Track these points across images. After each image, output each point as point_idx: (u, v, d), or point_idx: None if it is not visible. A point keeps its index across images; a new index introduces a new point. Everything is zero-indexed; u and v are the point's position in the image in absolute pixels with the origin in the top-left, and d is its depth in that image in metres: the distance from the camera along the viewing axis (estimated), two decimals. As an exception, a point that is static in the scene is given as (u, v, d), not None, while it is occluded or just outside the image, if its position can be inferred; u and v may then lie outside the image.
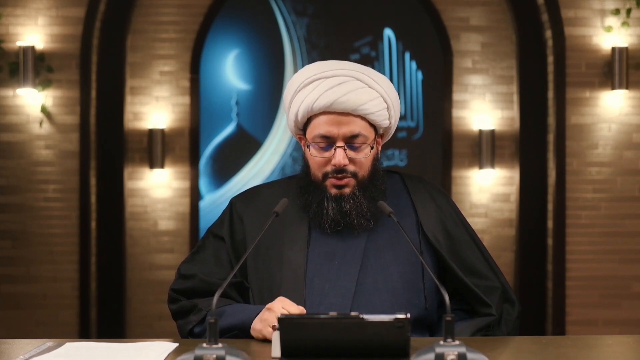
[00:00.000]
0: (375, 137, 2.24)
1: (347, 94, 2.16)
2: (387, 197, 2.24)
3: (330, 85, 2.17)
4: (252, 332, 2.06)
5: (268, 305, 2.04)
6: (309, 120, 2.22)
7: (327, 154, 2.19)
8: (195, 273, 2.25)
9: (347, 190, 2.19)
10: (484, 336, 2.17)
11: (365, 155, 2.19)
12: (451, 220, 2.29)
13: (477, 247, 2.29)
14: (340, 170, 2.18)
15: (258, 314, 2.07)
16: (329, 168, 2.19)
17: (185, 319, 2.22)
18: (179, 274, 2.29)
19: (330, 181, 2.20)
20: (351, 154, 2.18)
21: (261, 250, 2.22)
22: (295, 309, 2.02)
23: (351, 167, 2.19)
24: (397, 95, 2.29)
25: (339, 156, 2.17)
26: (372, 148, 2.21)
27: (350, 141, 2.18)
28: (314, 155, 2.21)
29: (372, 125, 2.22)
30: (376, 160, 2.25)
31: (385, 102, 2.23)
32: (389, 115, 2.25)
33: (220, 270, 2.25)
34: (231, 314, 2.12)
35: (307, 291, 2.16)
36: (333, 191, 2.20)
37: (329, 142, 2.19)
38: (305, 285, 2.16)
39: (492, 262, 2.30)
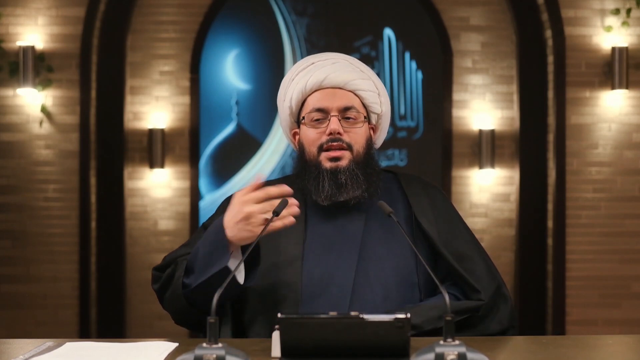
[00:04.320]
0: (369, 123, 2.29)
1: (338, 70, 2.24)
2: (380, 181, 2.26)
3: (322, 65, 2.26)
4: (236, 241, 2.03)
5: (231, 205, 2.04)
6: (303, 105, 2.27)
7: (322, 126, 2.22)
8: (176, 256, 2.23)
9: (342, 163, 2.21)
10: (475, 325, 2.16)
11: (360, 127, 2.24)
12: (445, 215, 2.30)
13: (472, 241, 2.29)
14: (335, 139, 2.21)
15: (223, 241, 2.03)
16: (324, 139, 2.22)
17: (171, 286, 2.16)
18: (162, 260, 2.28)
19: (325, 154, 2.22)
20: (345, 125, 2.22)
21: (260, 244, 2.22)
22: (248, 189, 2.01)
23: (346, 138, 2.22)
24: (387, 93, 2.35)
25: (334, 123, 2.20)
26: (365, 119, 2.25)
27: (344, 114, 2.23)
28: (309, 128, 2.24)
29: (365, 108, 2.27)
30: (371, 143, 2.28)
31: (376, 87, 2.29)
32: (380, 102, 2.30)
33: None
34: (201, 268, 2.07)
35: (306, 282, 2.16)
36: (328, 165, 2.21)
37: (323, 114, 2.23)
38: (302, 277, 2.16)
39: (487, 256, 2.29)
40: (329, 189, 2.20)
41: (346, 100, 2.23)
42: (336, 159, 2.21)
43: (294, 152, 2.33)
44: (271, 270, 2.19)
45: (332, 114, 2.21)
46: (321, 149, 2.22)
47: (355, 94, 2.24)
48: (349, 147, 2.22)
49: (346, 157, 2.21)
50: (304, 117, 2.25)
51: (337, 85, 2.23)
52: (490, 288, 2.20)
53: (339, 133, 2.20)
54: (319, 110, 2.22)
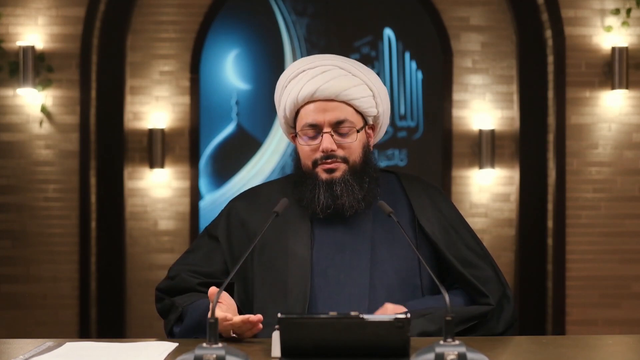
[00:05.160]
0: (365, 126, 2.26)
1: (329, 80, 2.20)
2: (379, 186, 2.26)
3: (313, 75, 2.22)
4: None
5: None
6: (297, 114, 2.26)
7: (315, 142, 2.22)
8: (180, 271, 2.27)
9: (337, 174, 2.21)
10: (480, 327, 2.16)
11: (352, 140, 2.22)
12: (448, 216, 2.30)
13: (475, 242, 2.29)
14: (328, 156, 2.21)
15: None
16: (318, 155, 2.22)
17: (167, 318, 2.24)
18: (167, 273, 2.31)
19: (320, 167, 2.22)
20: (338, 139, 2.21)
21: (266, 246, 2.23)
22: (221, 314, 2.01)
23: (340, 152, 2.22)
24: (384, 87, 2.32)
25: (326, 142, 2.20)
26: (358, 131, 2.23)
27: (337, 127, 2.21)
28: (303, 145, 2.23)
29: (360, 114, 2.25)
30: (367, 149, 2.27)
31: (370, 89, 2.26)
32: (376, 103, 2.27)
33: (211, 270, 2.26)
34: (190, 315, 2.16)
35: (320, 282, 2.16)
36: (324, 176, 2.21)
37: (316, 130, 2.22)
38: (312, 276, 2.17)
39: (490, 257, 2.29)
40: (324, 200, 2.20)
41: (338, 113, 2.21)
42: (331, 170, 2.21)
43: (293, 152, 2.33)
44: (280, 271, 2.19)
45: (324, 130, 2.20)
46: (316, 164, 2.22)
47: (348, 104, 2.22)
48: (344, 160, 2.22)
49: (341, 169, 2.21)
50: (297, 134, 2.25)
51: (328, 98, 2.21)
52: (497, 292, 2.20)
53: (332, 150, 2.20)
54: (312, 125, 2.21)
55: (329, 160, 2.21)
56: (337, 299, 2.13)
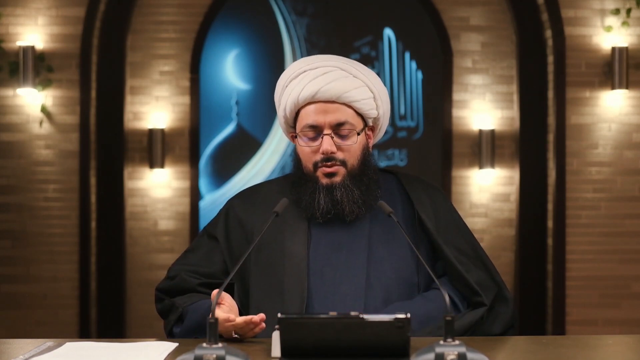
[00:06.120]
0: (365, 128, 2.26)
1: (330, 82, 2.20)
2: (380, 188, 2.26)
3: (314, 76, 2.22)
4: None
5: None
6: (297, 115, 2.25)
7: (315, 144, 2.22)
8: (180, 272, 2.27)
9: (337, 179, 2.21)
10: (476, 329, 2.16)
11: (352, 142, 2.22)
12: (447, 217, 2.30)
13: (470, 245, 2.29)
14: (328, 158, 2.21)
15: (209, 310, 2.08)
16: (318, 157, 2.22)
17: (167, 319, 2.24)
18: (167, 273, 2.30)
19: (321, 171, 2.22)
20: (338, 141, 2.21)
21: (263, 246, 2.23)
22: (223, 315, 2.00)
23: (340, 155, 2.22)
24: (385, 89, 2.32)
25: (326, 144, 2.20)
26: (358, 134, 2.23)
27: (337, 129, 2.21)
28: (303, 146, 2.23)
29: (360, 115, 2.25)
30: (367, 151, 2.27)
31: (371, 91, 2.26)
32: (377, 105, 2.28)
33: (211, 270, 2.26)
34: (190, 316, 2.16)
35: (316, 281, 2.17)
36: (324, 181, 2.22)
37: (316, 131, 2.22)
38: (308, 276, 2.17)
39: (486, 260, 2.29)
40: (324, 205, 2.20)
41: (339, 115, 2.21)
42: (331, 175, 2.21)
43: (293, 152, 2.33)
44: (276, 271, 2.19)
45: (324, 132, 2.20)
46: (316, 166, 2.22)
47: (349, 106, 2.22)
48: (343, 164, 2.22)
49: (341, 173, 2.22)
50: (296, 136, 2.25)
51: (329, 99, 2.20)
52: (491, 292, 2.20)
53: (332, 152, 2.20)
54: (312, 127, 2.21)
55: (329, 163, 2.20)
56: (333, 299, 2.14)
